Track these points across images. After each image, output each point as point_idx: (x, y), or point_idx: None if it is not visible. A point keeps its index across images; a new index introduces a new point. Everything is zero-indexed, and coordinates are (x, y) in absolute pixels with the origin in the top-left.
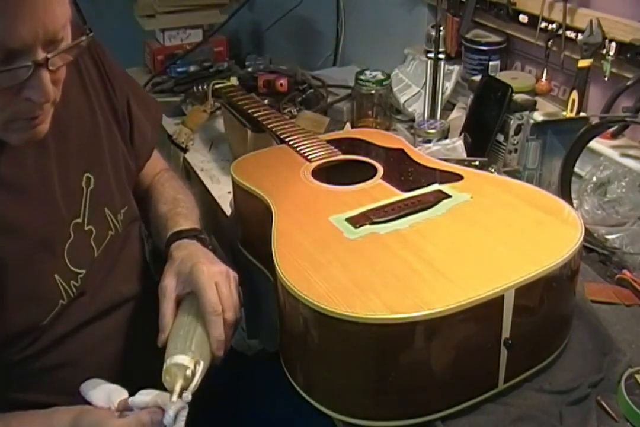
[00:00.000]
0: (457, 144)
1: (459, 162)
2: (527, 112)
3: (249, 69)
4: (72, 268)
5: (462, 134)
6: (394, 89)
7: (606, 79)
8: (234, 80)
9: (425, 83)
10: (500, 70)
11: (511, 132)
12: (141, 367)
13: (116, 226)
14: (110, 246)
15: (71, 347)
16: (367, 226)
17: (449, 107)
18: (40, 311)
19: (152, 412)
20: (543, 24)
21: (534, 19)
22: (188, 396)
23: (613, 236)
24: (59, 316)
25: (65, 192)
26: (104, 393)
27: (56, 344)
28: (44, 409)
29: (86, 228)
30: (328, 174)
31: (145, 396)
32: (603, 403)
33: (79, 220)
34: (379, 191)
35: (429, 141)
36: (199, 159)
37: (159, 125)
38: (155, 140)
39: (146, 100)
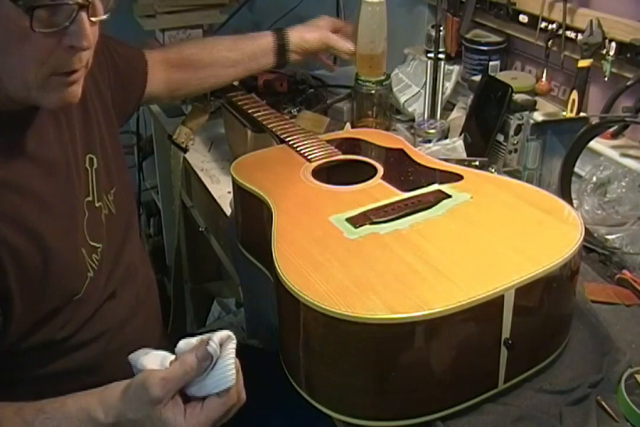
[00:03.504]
0: (457, 144)
1: (459, 162)
2: (527, 112)
3: None
4: (92, 243)
5: (462, 134)
6: (394, 89)
7: (606, 79)
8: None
9: (425, 83)
10: (500, 70)
11: (511, 132)
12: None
13: (108, 206)
14: (111, 225)
15: (104, 320)
16: (367, 226)
17: (449, 107)
18: (76, 284)
19: (196, 349)
20: (543, 24)
21: (534, 19)
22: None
23: (613, 236)
24: (90, 289)
25: (77, 171)
26: (156, 359)
27: (91, 317)
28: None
29: (97, 205)
30: (328, 174)
31: (190, 339)
32: (603, 403)
33: (90, 198)
34: (379, 191)
35: (429, 141)
36: (199, 159)
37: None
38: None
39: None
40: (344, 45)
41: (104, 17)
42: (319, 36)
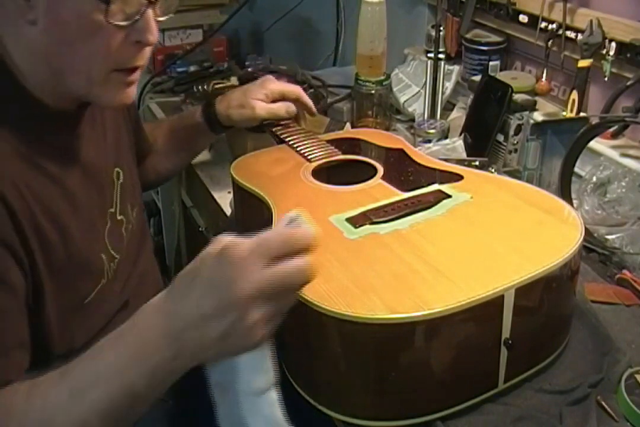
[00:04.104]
0: (457, 144)
1: (459, 162)
2: (527, 112)
3: (249, 69)
4: (112, 252)
5: (462, 134)
6: (394, 89)
7: (606, 79)
8: (234, 80)
9: (425, 83)
10: (500, 70)
11: (511, 132)
12: None
13: (131, 221)
14: (130, 239)
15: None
16: (367, 226)
17: (449, 107)
18: (89, 285)
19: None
20: (543, 24)
21: (534, 19)
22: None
23: (613, 236)
24: (100, 296)
25: (107, 180)
26: None
27: (105, 327)
28: None
29: (118, 217)
30: (328, 174)
31: None
32: (603, 403)
33: (113, 209)
34: (379, 191)
35: (429, 141)
36: (199, 159)
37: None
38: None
39: None
40: (277, 111)
41: (164, 18)
42: (245, 113)
